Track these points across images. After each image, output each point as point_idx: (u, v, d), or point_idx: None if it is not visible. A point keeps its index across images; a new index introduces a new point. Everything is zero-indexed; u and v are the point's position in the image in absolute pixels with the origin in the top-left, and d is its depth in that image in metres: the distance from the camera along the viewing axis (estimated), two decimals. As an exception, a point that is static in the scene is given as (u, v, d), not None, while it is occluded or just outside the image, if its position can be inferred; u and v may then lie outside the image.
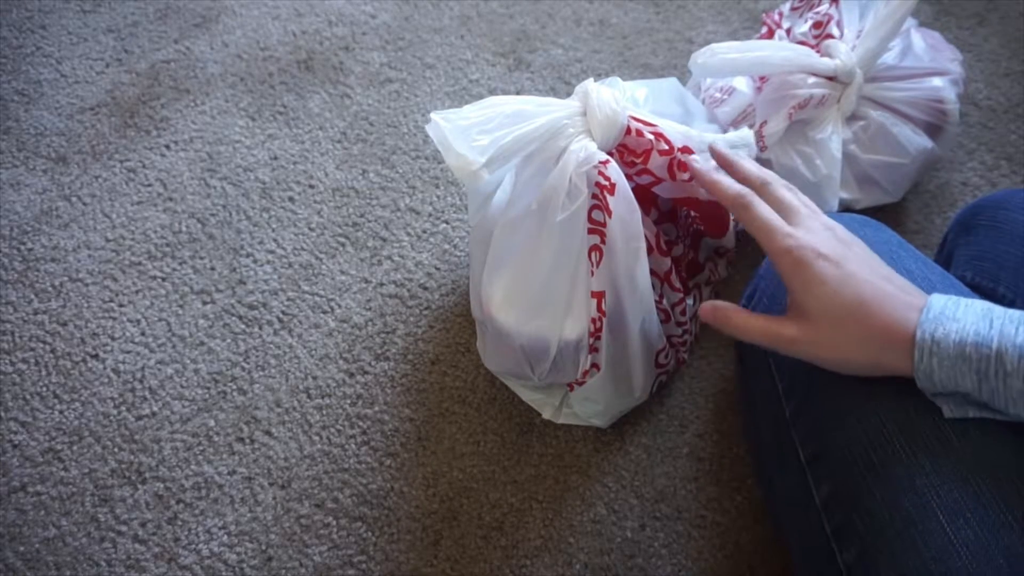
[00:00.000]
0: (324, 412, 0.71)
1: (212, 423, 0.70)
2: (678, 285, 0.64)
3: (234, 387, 0.72)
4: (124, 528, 0.65)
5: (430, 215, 0.83)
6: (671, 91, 0.69)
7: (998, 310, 0.39)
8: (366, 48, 0.98)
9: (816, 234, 0.44)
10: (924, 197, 0.83)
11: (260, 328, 0.76)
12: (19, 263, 0.80)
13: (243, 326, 0.76)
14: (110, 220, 0.83)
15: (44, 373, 0.73)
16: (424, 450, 0.69)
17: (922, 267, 0.49)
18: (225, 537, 0.65)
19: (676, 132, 0.60)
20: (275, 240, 0.81)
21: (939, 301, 0.40)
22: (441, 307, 0.77)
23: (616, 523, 0.65)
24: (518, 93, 0.93)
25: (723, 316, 0.47)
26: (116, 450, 0.69)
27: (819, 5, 0.75)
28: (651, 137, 0.59)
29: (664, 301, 0.64)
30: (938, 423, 0.41)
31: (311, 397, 0.72)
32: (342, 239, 0.82)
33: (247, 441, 0.69)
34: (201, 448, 0.69)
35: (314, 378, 0.73)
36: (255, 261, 0.80)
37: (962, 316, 0.39)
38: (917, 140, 0.72)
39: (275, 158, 0.88)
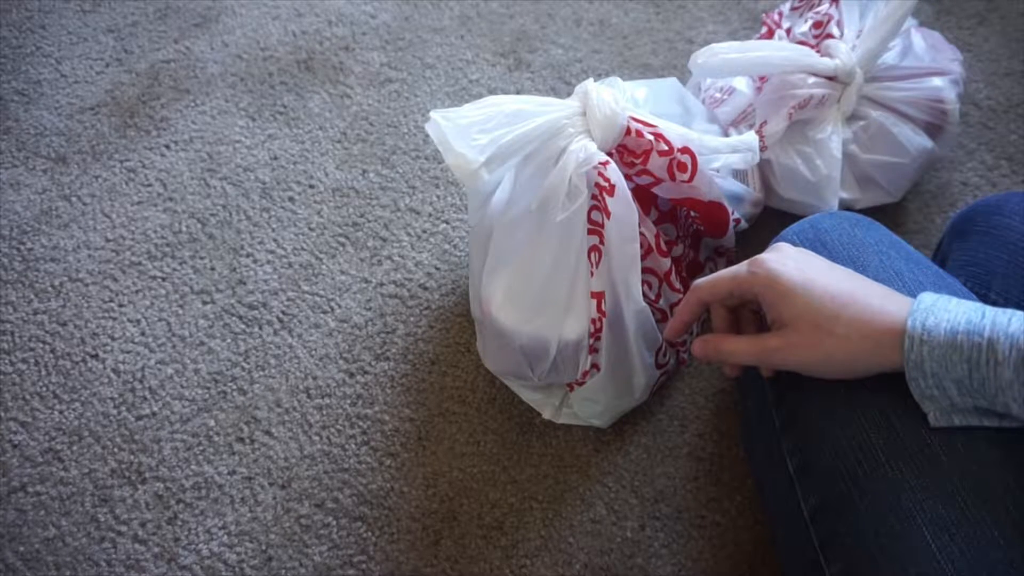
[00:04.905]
0: (324, 412, 0.71)
1: (212, 423, 0.70)
2: (678, 285, 0.64)
3: (234, 387, 0.72)
4: (124, 528, 0.65)
5: (430, 215, 0.83)
6: (671, 91, 0.69)
7: (989, 307, 0.39)
8: (366, 48, 0.98)
9: (777, 252, 0.46)
10: (924, 197, 0.83)
11: (260, 328, 0.76)
12: (19, 263, 0.80)
13: (243, 326, 0.76)
14: (110, 220, 0.83)
15: (44, 373, 0.73)
16: (424, 450, 0.69)
17: (913, 268, 0.49)
18: (225, 537, 0.65)
19: (676, 133, 0.60)
20: (275, 240, 0.81)
21: (929, 297, 0.41)
22: (441, 307, 0.77)
23: (616, 523, 0.65)
24: (518, 93, 0.93)
25: (713, 348, 0.48)
26: (116, 450, 0.69)
27: (819, 5, 0.75)
28: (651, 138, 0.59)
29: (663, 301, 0.64)
30: (925, 437, 0.41)
31: (311, 397, 0.72)
32: (342, 239, 0.82)
33: (247, 441, 0.69)
34: (201, 448, 0.69)
35: (314, 378, 0.73)
36: (255, 261, 0.80)
37: (954, 308, 0.39)
38: (917, 140, 0.72)
39: (275, 158, 0.88)
